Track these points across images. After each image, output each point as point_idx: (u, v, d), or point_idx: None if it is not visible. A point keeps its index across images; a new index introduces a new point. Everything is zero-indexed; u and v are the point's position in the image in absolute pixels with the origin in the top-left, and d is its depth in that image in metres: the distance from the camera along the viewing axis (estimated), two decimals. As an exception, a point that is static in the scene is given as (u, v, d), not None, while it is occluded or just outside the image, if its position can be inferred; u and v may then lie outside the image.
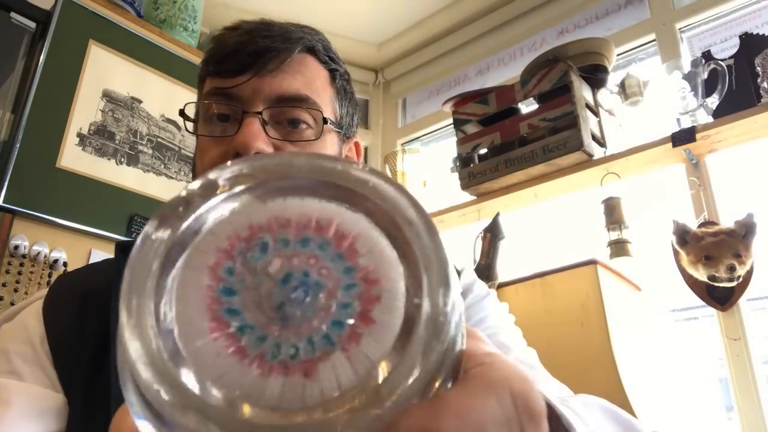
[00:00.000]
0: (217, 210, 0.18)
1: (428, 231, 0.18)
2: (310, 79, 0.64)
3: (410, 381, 0.15)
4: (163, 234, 0.17)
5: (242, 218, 0.18)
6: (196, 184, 0.18)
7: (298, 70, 0.63)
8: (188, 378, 0.16)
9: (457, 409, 0.15)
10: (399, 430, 0.14)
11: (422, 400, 0.15)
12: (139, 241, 0.17)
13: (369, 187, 0.18)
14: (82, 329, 0.57)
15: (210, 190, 0.18)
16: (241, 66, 0.61)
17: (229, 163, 0.18)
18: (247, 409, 0.15)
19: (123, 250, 0.62)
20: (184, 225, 0.17)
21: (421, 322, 0.16)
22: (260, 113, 0.60)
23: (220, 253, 0.17)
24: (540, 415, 0.17)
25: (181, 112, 0.67)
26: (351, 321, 0.16)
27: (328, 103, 0.65)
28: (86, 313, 0.58)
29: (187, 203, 0.18)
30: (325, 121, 0.63)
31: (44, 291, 0.62)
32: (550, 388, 0.61)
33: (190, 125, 0.67)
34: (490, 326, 0.66)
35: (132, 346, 0.16)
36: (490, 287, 1.56)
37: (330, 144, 0.65)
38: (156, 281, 0.16)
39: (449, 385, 0.17)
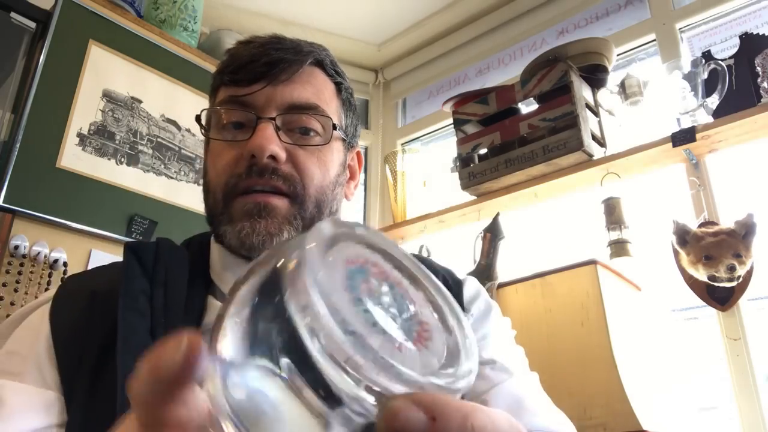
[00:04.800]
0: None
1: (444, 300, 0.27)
2: (319, 90, 0.68)
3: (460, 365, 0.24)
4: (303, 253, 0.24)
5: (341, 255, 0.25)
6: (326, 227, 0.25)
7: (308, 80, 0.68)
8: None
9: (485, 410, 0.22)
10: (452, 409, 0.21)
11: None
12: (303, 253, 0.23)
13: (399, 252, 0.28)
14: (88, 329, 0.57)
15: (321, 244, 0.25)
16: (255, 76, 0.65)
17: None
18: None
19: (133, 251, 0.63)
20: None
21: (459, 342, 0.25)
22: (273, 119, 0.64)
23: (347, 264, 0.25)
24: None
25: (198, 119, 0.70)
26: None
27: (334, 113, 0.69)
28: (93, 314, 0.59)
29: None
30: (334, 127, 0.67)
31: (51, 292, 0.63)
32: (549, 421, 0.62)
33: (203, 130, 0.70)
34: (491, 347, 0.67)
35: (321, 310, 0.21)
36: (490, 287, 1.57)
37: (336, 151, 0.69)
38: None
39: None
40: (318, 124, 0.66)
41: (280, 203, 0.63)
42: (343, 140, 0.71)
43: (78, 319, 0.58)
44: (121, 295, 0.57)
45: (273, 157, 0.63)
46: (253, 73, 0.65)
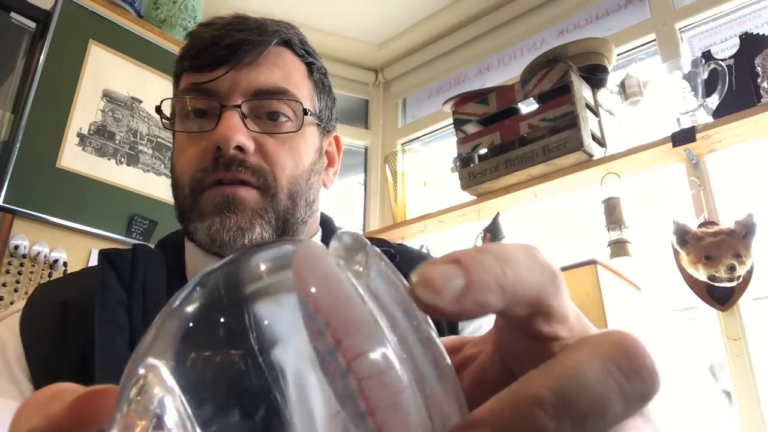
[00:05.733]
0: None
1: None
2: (287, 72, 0.63)
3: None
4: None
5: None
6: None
7: (275, 63, 0.62)
8: None
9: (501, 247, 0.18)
10: None
11: None
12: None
13: None
14: (63, 340, 0.54)
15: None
16: (217, 60, 0.60)
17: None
18: None
19: (107, 257, 0.59)
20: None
21: None
22: (239, 106, 0.59)
23: None
24: None
25: (158, 109, 0.66)
26: None
27: (306, 96, 0.64)
28: (67, 324, 0.55)
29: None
30: (305, 112, 0.62)
31: (20, 304, 0.59)
32: None
33: (167, 122, 0.66)
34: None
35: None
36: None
37: (310, 137, 0.65)
38: None
39: None
40: (288, 109, 0.61)
41: (248, 195, 0.58)
42: (318, 125, 0.66)
43: (50, 331, 0.55)
44: (97, 308, 0.53)
45: (240, 148, 0.58)
46: (215, 57, 0.60)
